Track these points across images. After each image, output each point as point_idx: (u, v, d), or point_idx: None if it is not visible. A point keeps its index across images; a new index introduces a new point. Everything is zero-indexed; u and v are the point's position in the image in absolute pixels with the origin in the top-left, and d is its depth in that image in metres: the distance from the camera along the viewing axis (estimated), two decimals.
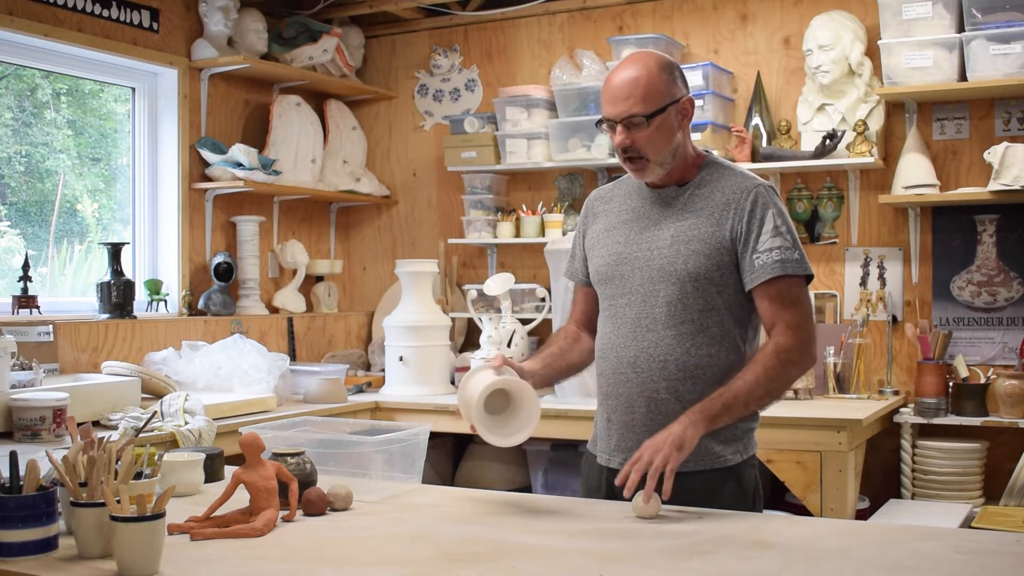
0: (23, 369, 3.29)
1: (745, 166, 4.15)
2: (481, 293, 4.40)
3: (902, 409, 3.92)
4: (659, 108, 2.13)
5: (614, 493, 2.12)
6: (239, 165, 4.33)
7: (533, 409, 2.07)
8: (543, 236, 4.55)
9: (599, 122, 2.21)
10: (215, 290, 4.37)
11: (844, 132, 4.04)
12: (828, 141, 4.02)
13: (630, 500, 1.99)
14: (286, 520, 1.97)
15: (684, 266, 2.13)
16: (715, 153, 2.32)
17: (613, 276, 2.23)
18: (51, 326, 3.67)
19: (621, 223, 2.26)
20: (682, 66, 4.23)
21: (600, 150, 4.40)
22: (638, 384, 2.18)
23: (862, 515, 3.62)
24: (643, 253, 2.19)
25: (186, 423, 3.22)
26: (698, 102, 4.21)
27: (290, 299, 4.77)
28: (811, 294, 4.26)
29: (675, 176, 2.22)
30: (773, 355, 2.09)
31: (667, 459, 1.96)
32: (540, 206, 4.64)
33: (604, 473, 2.26)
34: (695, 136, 4.20)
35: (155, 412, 3.20)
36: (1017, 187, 3.70)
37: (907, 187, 3.95)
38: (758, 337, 2.26)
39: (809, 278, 2.16)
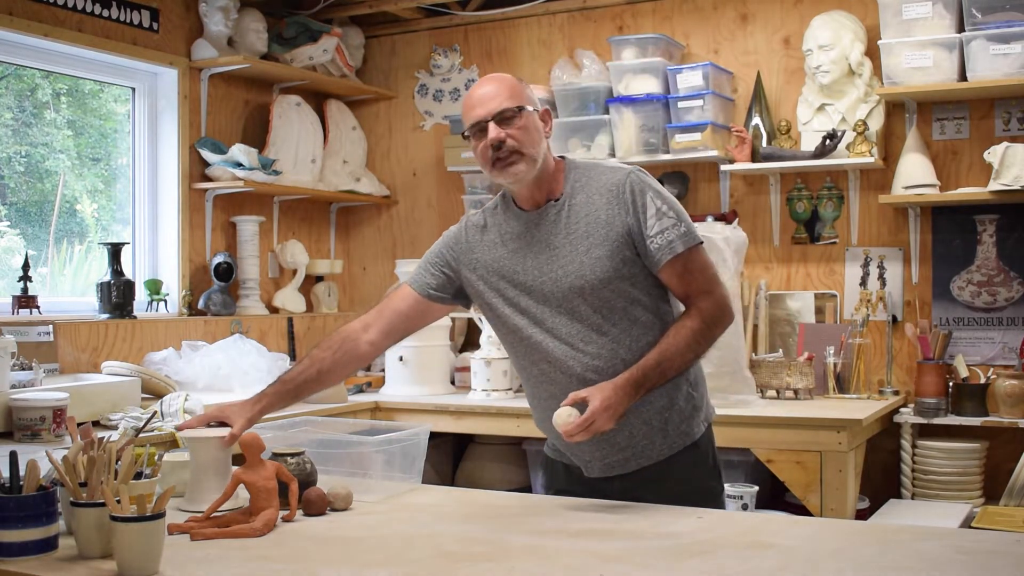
0: (23, 369, 3.29)
1: (746, 166, 4.18)
2: None
3: (902, 409, 3.92)
4: (525, 104, 2.17)
5: (580, 492, 2.23)
6: (239, 165, 4.33)
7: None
8: None
9: (464, 135, 2.22)
10: (215, 290, 4.37)
11: (844, 132, 4.03)
12: (828, 141, 4.02)
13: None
14: (286, 520, 1.97)
15: (593, 275, 2.15)
16: (569, 156, 2.32)
17: (527, 307, 2.21)
18: (51, 326, 3.67)
19: (510, 254, 2.24)
20: (682, 66, 4.30)
21: (600, 150, 4.40)
22: None
23: (862, 515, 3.62)
24: (549, 277, 2.18)
25: None
26: (698, 102, 4.22)
27: (290, 299, 4.77)
28: (807, 294, 4.26)
29: (545, 190, 2.23)
30: (698, 318, 2.15)
31: (602, 427, 2.02)
32: None
33: (570, 471, 2.30)
34: (695, 136, 4.20)
35: (155, 412, 3.20)
36: (1017, 187, 3.70)
37: (907, 187, 3.95)
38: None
39: (700, 244, 2.19)
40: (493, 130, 2.14)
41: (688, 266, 2.15)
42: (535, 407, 2.32)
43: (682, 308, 2.22)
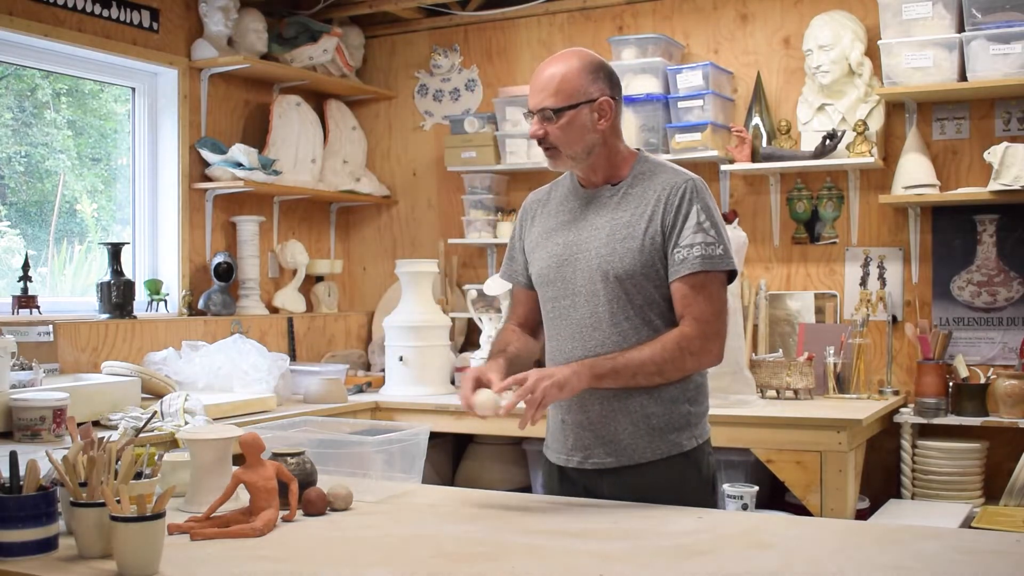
0: (23, 369, 3.29)
1: (746, 166, 4.17)
2: (481, 293, 4.40)
3: (902, 409, 3.92)
4: (569, 104, 2.17)
5: (572, 492, 2.25)
6: (239, 165, 4.33)
7: None
8: None
9: (525, 113, 2.28)
10: (215, 290, 4.37)
11: (844, 132, 4.03)
12: (828, 141, 4.02)
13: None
14: (286, 520, 1.97)
15: (621, 264, 2.17)
16: (645, 152, 2.34)
17: (555, 278, 2.26)
18: (51, 326, 3.67)
19: (559, 224, 2.29)
20: (682, 66, 4.29)
21: None
22: None
23: (862, 515, 3.62)
24: (582, 254, 2.22)
25: (186, 423, 3.22)
26: (698, 102, 4.22)
27: (290, 299, 4.77)
28: (807, 294, 4.26)
29: (604, 175, 2.26)
30: (675, 341, 2.14)
31: (546, 394, 2.03)
32: None
33: (562, 471, 2.31)
34: (695, 136, 4.20)
35: (155, 412, 3.20)
36: (1017, 187, 3.70)
37: (907, 187, 3.95)
38: None
39: (732, 275, 2.20)
40: (534, 124, 2.21)
41: (699, 289, 2.14)
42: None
43: None
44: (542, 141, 2.21)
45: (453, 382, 4.45)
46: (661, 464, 2.20)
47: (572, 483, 2.28)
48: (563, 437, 2.28)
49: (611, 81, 2.23)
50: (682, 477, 2.21)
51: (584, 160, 2.22)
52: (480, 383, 2.14)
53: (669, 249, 2.15)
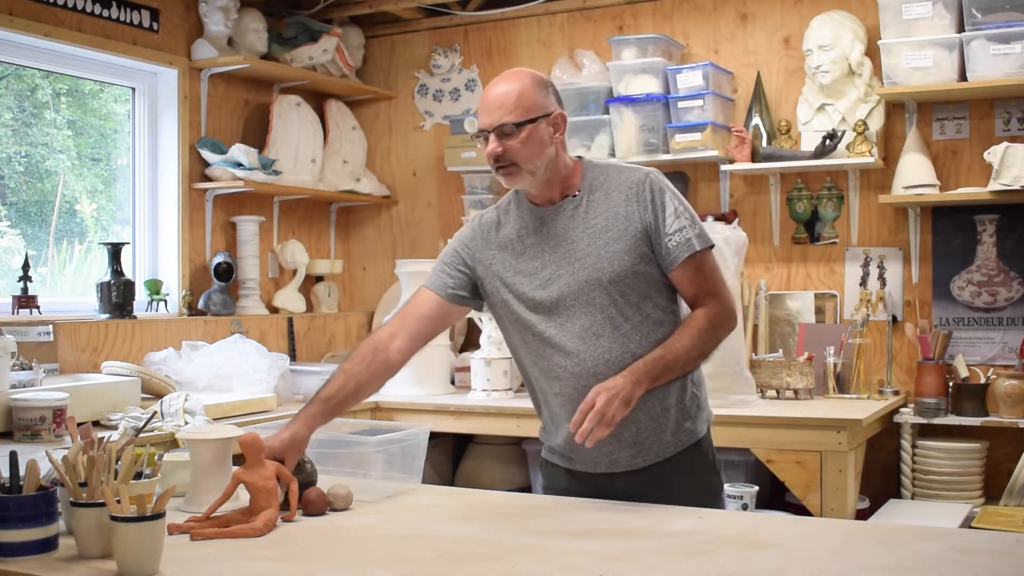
0: (23, 369, 3.29)
1: (746, 166, 4.18)
2: None
3: (902, 409, 3.91)
4: (529, 119, 2.17)
5: (587, 493, 2.23)
6: (239, 165, 4.33)
7: None
8: None
9: (475, 134, 2.26)
10: (215, 290, 4.37)
11: (844, 132, 4.03)
12: (828, 141, 4.02)
13: (582, 445, 2.04)
14: (286, 520, 1.97)
15: (611, 268, 2.18)
16: (586, 156, 2.34)
17: (543, 301, 2.22)
18: (51, 326, 3.67)
19: (526, 248, 2.26)
20: (682, 66, 4.29)
21: (600, 150, 4.40)
22: None
23: (862, 515, 3.62)
24: (566, 269, 2.21)
25: (186, 423, 3.22)
26: (698, 102, 4.22)
27: (290, 299, 4.77)
28: (807, 294, 4.26)
29: (560, 188, 2.25)
30: (707, 319, 2.19)
31: (615, 413, 2.03)
32: None
33: (571, 472, 2.30)
34: (695, 136, 4.20)
35: (155, 412, 3.20)
36: (1017, 187, 3.70)
37: (907, 187, 3.95)
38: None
39: (711, 247, 2.24)
40: (492, 142, 2.18)
41: (700, 268, 2.20)
42: (544, 404, 2.31)
43: (688, 311, 2.25)
44: (500, 159, 2.18)
45: (453, 382, 4.45)
46: (675, 458, 2.24)
47: (584, 487, 2.26)
48: (585, 450, 2.19)
49: (558, 96, 2.26)
50: (693, 465, 2.26)
51: (542, 175, 2.20)
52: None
53: (658, 242, 2.18)
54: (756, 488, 3.52)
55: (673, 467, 2.23)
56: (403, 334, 2.35)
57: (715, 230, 3.74)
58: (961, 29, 3.84)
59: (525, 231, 2.28)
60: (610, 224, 2.20)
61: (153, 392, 3.55)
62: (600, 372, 2.16)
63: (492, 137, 2.18)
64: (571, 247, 2.21)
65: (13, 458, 1.77)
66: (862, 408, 3.67)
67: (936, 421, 3.81)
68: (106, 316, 3.91)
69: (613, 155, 4.38)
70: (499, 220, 2.33)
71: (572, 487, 2.29)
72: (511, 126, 2.16)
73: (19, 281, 3.69)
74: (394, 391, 4.29)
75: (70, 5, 3.92)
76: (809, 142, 4.16)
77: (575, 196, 2.24)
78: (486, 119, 2.19)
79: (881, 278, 4.18)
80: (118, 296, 3.93)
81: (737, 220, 4.23)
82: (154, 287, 4.21)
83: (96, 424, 3.14)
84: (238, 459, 2.03)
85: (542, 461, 2.42)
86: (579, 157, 2.31)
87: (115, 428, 3.07)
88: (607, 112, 4.40)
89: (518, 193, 2.32)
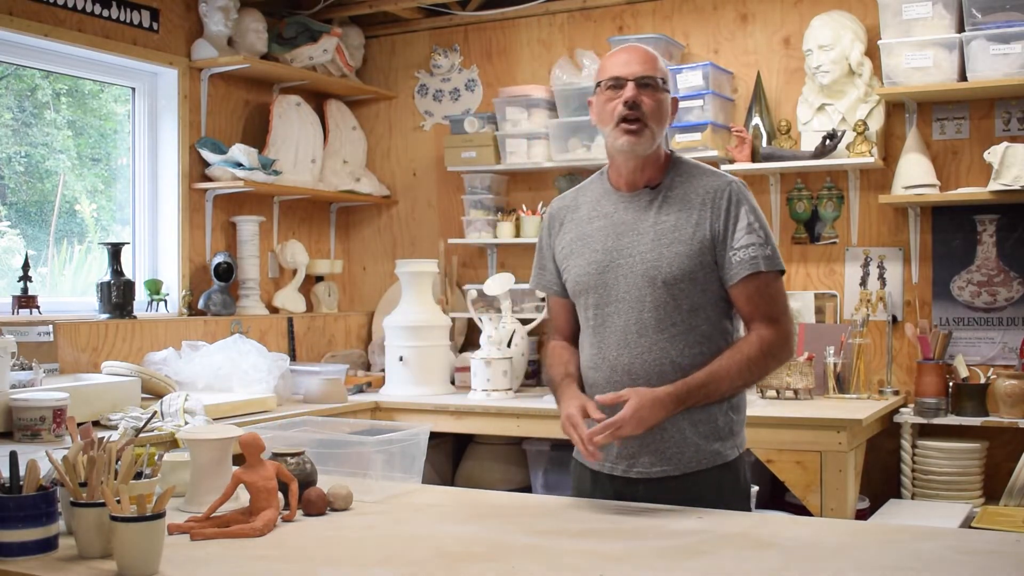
0: (23, 369, 3.29)
1: (746, 166, 4.17)
2: (481, 293, 4.40)
3: (902, 409, 3.91)
4: (666, 85, 2.17)
5: (611, 498, 2.19)
6: (239, 165, 4.33)
7: None
8: None
9: (598, 84, 2.20)
10: (215, 290, 4.37)
11: (844, 132, 4.03)
12: (828, 141, 4.02)
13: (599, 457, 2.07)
14: (286, 520, 1.97)
15: (669, 269, 2.13)
16: (676, 152, 2.32)
17: (596, 285, 2.21)
18: (51, 326, 3.67)
19: (595, 230, 2.24)
20: (682, 66, 4.29)
21: (600, 150, 4.39)
22: None
23: (862, 515, 3.62)
24: (625, 259, 2.18)
25: (186, 423, 3.22)
26: (698, 102, 4.22)
27: (290, 299, 4.77)
28: (807, 294, 4.26)
29: (646, 177, 2.22)
30: (757, 346, 2.13)
31: (629, 431, 2.03)
32: (540, 206, 4.64)
33: (596, 476, 2.26)
34: (695, 136, 4.20)
35: (155, 412, 3.20)
36: (1017, 187, 3.70)
37: (907, 187, 3.95)
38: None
39: (782, 273, 2.19)
40: (632, 89, 2.13)
41: (762, 289, 2.14)
42: (587, 388, 2.28)
43: (743, 334, 2.20)
44: (634, 107, 2.12)
45: (453, 382, 4.45)
46: (703, 474, 2.16)
47: (605, 491, 2.23)
48: (607, 445, 2.20)
49: None
50: (722, 487, 2.18)
51: (652, 148, 2.17)
52: (585, 414, 2.09)
53: (723, 253, 2.13)
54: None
55: (699, 483, 2.16)
56: (570, 341, 2.37)
57: None
58: (961, 29, 3.84)
59: (596, 213, 2.26)
60: (679, 225, 2.15)
61: (153, 392, 3.55)
62: (635, 372, 2.14)
63: (632, 85, 2.13)
64: (636, 239, 2.18)
65: (13, 458, 1.77)
66: (862, 408, 3.67)
67: (936, 421, 3.81)
68: (106, 316, 3.91)
69: None
70: (576, 199, 2.33)
71: (596, 492, 2.25)
72: (656, 80, 2.14)
73: (19, 281, 3.69)
74: (394, 391, 4.30)
75: (70, 5, 3.92)
76: (809, 142, 4.16)
77: (655, 188, 2.21)
78: (626, 69, 2.14)
79: (881, 278, 4.18)
80: (118, 296, 3.93)
81: None
82: (154, 287, 4.21)
83: (96, 424, 3.14)
84: (238, 459, 2.03)
85: (573, 462, 2.36)
86: (671, 151, 2.28)
87: (115, 428, 3.07)
88: None
89: (602, 175, 2.30)
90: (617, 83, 2.15)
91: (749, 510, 2.27)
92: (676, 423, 2.14)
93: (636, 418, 2.01)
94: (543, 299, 4.40)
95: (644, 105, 2.13)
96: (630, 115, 2.13)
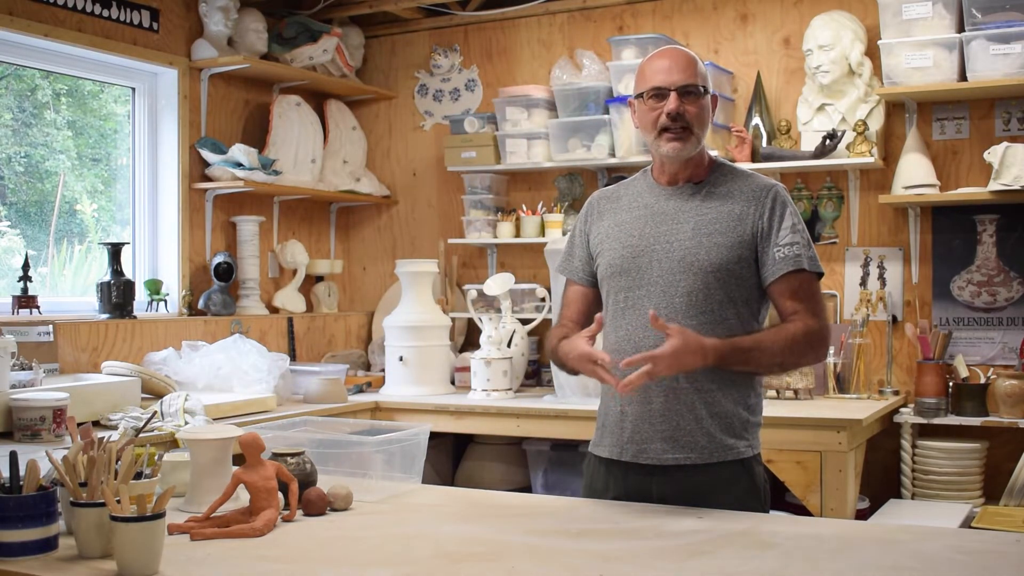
0: (23, 369, 3.29)
1: (746, 166, 4.17)
2: (481, 293, 4.40)
3: (902, 409, 3.92)
4: (707, 89, 2.20)
5: (623, 491, 2.18)
6: (239, 165, 4.33)
7: None
8: (543, 236, 4.54)
9: (640, 94, 2.21)
10: (215, 290, 4.37)
11: (844, 132, 4.03)
12: (828, 141, 4.02)
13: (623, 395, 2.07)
14: (286, 520, 1.97)
15: (707, 257, 2.15)
16: (720, 157, 2.34)
17: (629, 268, 2.23)
18: (51, 326, 3.67)
19: (634, 219, 2.27)
20: None
21: (600, 150, 4.40)
22: None
23: (862, 515, 3.62)
24: (662, 245, 2.20)
25: (186, 423, 3.22)
26: None
27: (290, 299, 4.77)
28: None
29: (689, 173, 2.25)
30: (803, 333, 2.13)
31: (663, 372, 2.00)
32: (540, 206, 4.64)
33: (610, 469, 2.24)
34: None
35: (155, 412, 3.20)
36: (1017, 187, 3.70)
37: (907, 187, 3.95)
38: None
39: (821, 276, 2.22)
40: (675, 100, 2.15)
41: (803, 287, 2.16)
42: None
43: None
44: (678, 118, 2.16)
45: (453, 382, 4.45)
46: (715, 468, 2.16)
47: (619, 483, 2.22)
48: (619, 429, 2.21)
49: None
50: (735, 484, 2.17)
51: (695, 150, 2.20)
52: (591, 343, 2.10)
53: (766, 249, 2.15)
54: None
55: (711, 476, 2.15)
56: (575, 325, 2.34)
57: None
58: (961, 29, 3.84)
59: (637, 204, 2.28)
60: (721, 219, 2.18)
61: (153, 392, 3.55)
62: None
63: (674, 95, 2.15)
64: (675, 227, 2.20)
65: (13, 458, 1.77)
66: (862, 408, 3.67)
67: (936, 421, 3.81)
68: (106, 316, 3.91)
69: (613, 155, 4.38)
70: (618, 191, 2.36)
71: (609, 486, 2.24)
72: (698, 88, 2.16)
73: (19, 281, 3.69)
74: (394, 391, 4.30)
75: (70, 5, 3.92)
76: (809, 142, 4.16)
77: (698, 184, 2.24)
78: (666, 77, 2.16)
79: (881, 278, 4.18)
80: (118, 296, 3.93)
81: None
82: (154, 287, 4.21)
83: (96, 424, 3.14)
84: (238, 459, 2.03)
85: (587, 458, 2.35)
86: (715, 155, 2.31)
87: (115, 428, 3.08)
88: (607, 112, 4.40)
89: (646, 172, 2.32)
90: (660, 93, 2.17)
91: (766, 511, 2.24)
92: (693, 408, 2.14)
93: (674, 356, 1.99)
94: (543, 299, 4.41)
95: (688, 115, 2.17)
96: (674, 126, 2.17)
